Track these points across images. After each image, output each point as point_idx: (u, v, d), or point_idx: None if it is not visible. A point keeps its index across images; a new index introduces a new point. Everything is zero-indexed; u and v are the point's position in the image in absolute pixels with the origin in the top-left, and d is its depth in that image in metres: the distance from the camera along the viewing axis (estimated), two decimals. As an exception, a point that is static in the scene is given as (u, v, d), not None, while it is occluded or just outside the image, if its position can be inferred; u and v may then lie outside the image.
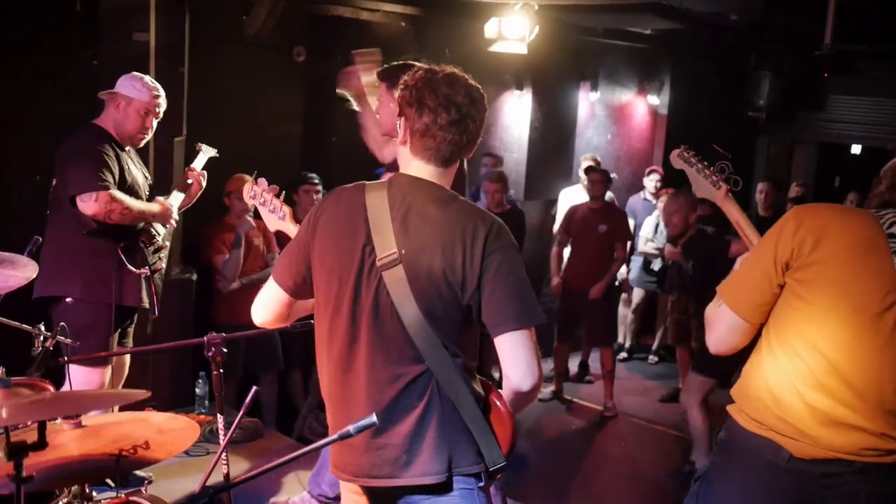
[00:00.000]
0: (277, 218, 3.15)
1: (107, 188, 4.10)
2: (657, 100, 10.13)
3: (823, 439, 2.31)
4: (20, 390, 2.27)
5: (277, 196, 3.16)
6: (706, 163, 2.93)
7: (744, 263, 2.48)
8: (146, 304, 4.43)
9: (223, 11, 6.17)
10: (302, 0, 6.46)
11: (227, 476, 3.18)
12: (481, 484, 2.44)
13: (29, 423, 2.49)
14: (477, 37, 7.36)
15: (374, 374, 2.41)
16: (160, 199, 4.57)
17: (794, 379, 2.34)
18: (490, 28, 7.26)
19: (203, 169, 4.78)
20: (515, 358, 2.37)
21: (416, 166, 2.48)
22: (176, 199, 4.67)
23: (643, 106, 10.15)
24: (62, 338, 3.39)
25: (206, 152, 4.78)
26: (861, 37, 7.68)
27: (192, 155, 5.60)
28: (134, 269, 4.29)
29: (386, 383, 2.40)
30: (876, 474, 2.31)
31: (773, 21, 8.02)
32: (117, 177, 4.22)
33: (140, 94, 4.32)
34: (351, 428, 1.88)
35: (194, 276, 5.90)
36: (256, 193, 3.17)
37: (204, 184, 4.79)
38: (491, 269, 2.36)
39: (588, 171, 7.67)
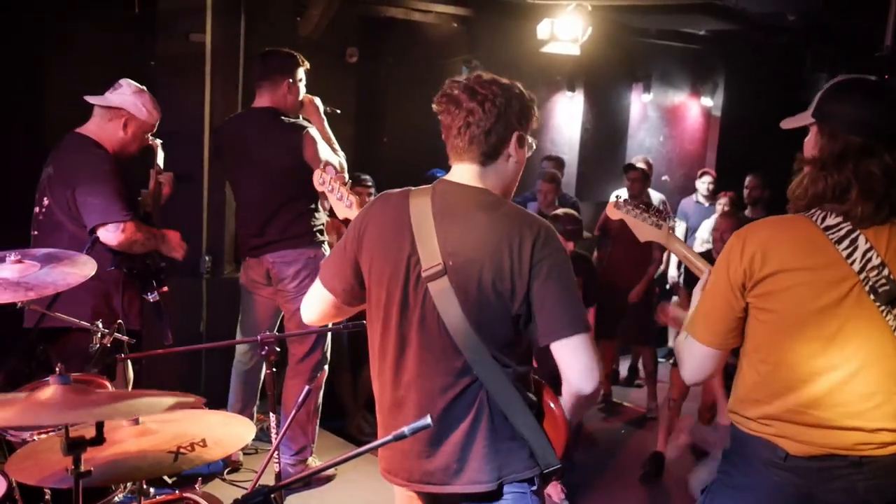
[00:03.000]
0: (345, 206, 3.17)
1: (132, 218, 3.91)
2: (710, 101, 10.02)
3: (816, 439, 2.33)
4: (79, 386, 2.30)
5: (345, 184, 3.18)
6: (643, 207, 2.99)
7: (703, 296, 2.51)
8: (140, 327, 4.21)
9: (277, 13, 6.22)
10: (355, 2, 6.50)
11: (278, 475, 3.21)
12: (534, 488, 2.43)
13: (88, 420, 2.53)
14: (529, 38, 7.34)
15: (424, 386, 2.41)
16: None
17: (779, 388, 2.37)
18: (542, 29, 7.24)
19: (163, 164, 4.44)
20: (576, 362, 2.35)
21: (458, 169, 2.47)
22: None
23: (696, 108, 10.05)
24: (119, 335, 3.43)
25: (160, 145, 4.37)
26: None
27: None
28: (146, 297, 4.09)
29: (436, 394, 2.40)
30: (873, 466, 2.32)
31: (830, 21, 7.89)
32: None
33: (150, 117, 4.12)
34: (406, 429, 1.87)
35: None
36: (325, 181, 3.20)
37: (171, 184, 4.46)
38: (541, 277, 2.32)
39: (627, 168, 7.60)
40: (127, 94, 4.05)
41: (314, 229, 4.66)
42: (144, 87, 4.14)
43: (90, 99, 4.05)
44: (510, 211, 2.41)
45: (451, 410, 2.39)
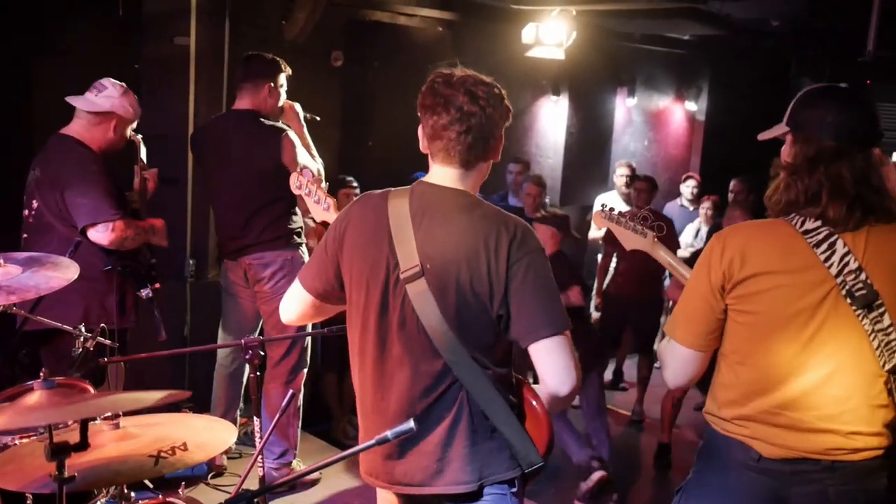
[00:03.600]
0: (322, 209, 3.17)
1: (121, 216, 3.93)
2: (695, 106, 10.07)
3: (790, 442, 2.35)
4: (63, 390, 2.29)
5: (321, 187, 3.18)
6: (628, 216, 3.02)
7: (683, 298, 2.52)
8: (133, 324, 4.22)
9: (263, 16, 6.21)
10: (340, 5, 6.49)
11: (262, 479, 3.20)
12: (514, 490, 2.44)
13: (70, 424, 2.52)
14: (514, 42, 7.37)
15: (404, 387, 2.41)
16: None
17: (755, 389, 2.39)
18: (527, 33, 7.27)
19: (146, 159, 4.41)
20: (553, 364, 2.35)
21: (437, 171, 2.46)
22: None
23: (680, 112, 10.09)
24: (102, 339, 3.42)
25: (142, 142, 4.34)
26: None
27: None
28: (139, 293, 4.08)
29: (416, 396, 2.40)
30: (844, 471, 2.34)
31: (814, 27, 7.94)
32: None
33: (136, 115, 4.14)
34: (389, 433, 1.87)
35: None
36: (302, 184, 3.20)
37: (155, 179, 4.43)
38: (518, 278, 2.32)
39: (633, 179, 7.57)
40: (115, 97, 4.04)
41: (292, 231, 4.67)
42: (125, 85, 4.12)
43: (75, 102, 4.02)
44: (488, 212, 2.40)
45: (431, 412, 2.39)
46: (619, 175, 8.23)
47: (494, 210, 2.43)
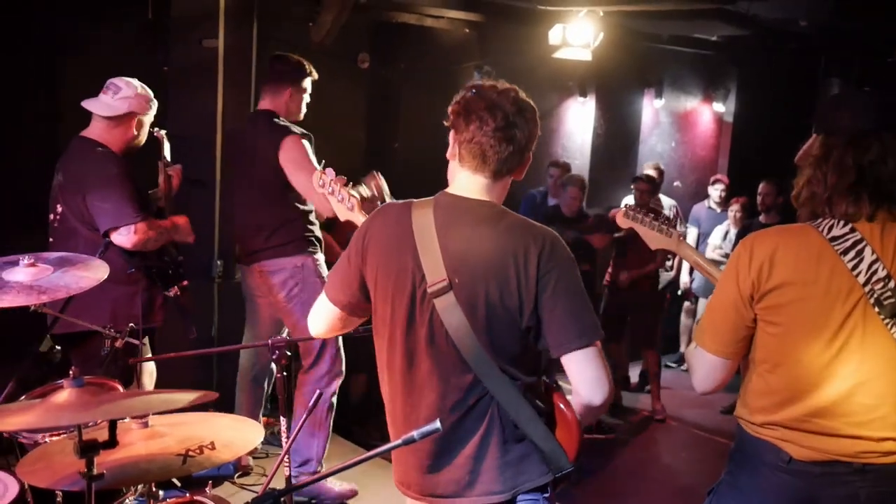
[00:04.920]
0: (346, 208, 3.13)
1: (144, 218, 3.93)
2: (723, 107, 10.00)
3: (820, 445, 2.34)
4: (92, 389, 2.31)
5: (346, 186, 3.15)
6: (652, 216, 2.98)
7: (711, 305, 2.51)
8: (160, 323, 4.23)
9: (290, 19, 6.24)
10: (367, 8, 6.51)
11: (288, 479, 3.21)
12: (546, 495, 2.44)
13: (99, 422, 2.54)
14: (541, 43, 7.35)
15: (433, 401, 2.41)
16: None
17: (785, 398, 2.37)
18: (554, 35, 7.25)
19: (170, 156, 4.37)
20: (586, 375, 2.34)
21: (464, 178, 2.43)
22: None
23: (708, 113, 10.02)
24: (131, 339, 3.45)
25: (165, 136, 4.32)
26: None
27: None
28: (166, 293, 4.11)
29: (446, 409, 2.39)
30: (876, 474, 2.32)
31: (843, 27, 7.87)
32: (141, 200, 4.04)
33: (152, 110, 4.14)
34: (415, 433, 1.86)
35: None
36: (325, 182, 3.17)
37: (179, 176, 4.40)
38: (548, 290, 2.31)
39: (634, 179, 7.60)
40: (131, 97, 4.03)
41: (303, 237, 4.52)
42: (134, 80, 4.09)
43: (91, 107, 4.01)
44: (514, 222, 2.38)
45: (462, 424, 2.39)
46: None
47: (521, 220, 2.41)
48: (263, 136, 4.42)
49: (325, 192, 3.18)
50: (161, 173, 4.27)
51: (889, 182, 2.30)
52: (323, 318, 2.63)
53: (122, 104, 4.01)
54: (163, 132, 4.29)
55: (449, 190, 2.47)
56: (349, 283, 2.52)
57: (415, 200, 2.47)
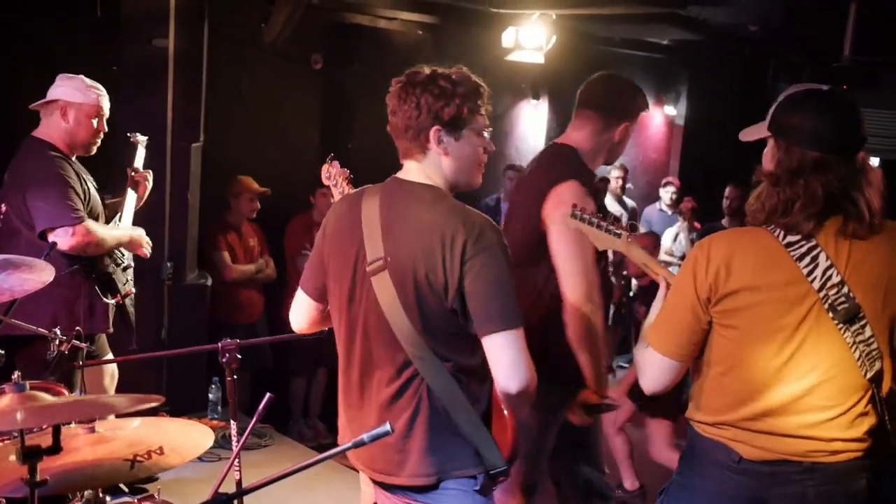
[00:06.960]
0: None
1: (82, 220, 3.83)
2: (674, 111, 10.11)
3: (770, 445, 2.37)
4: (35, 394, 2.27)
5: (348, 182, 3.20)
6: (600, 216, 2.85)
7: (666, 307, 2.50)
8: (111, 329, 4.15)
9: (242, 18, 6.19)
10: (320, 8, 6.48)
11: (239, 483, 3.18)
12: (477, 487, 2.46)
13: (44, 427, 2.50)
14: (494, 46, 7.38)
15: (370, 377, 2.48)
16: (121, 225, 4.21)
17: (737, 399, 2.39)
18: (507, 37, 7.28)
19: (143, 162, 4.33)
20: (499, 359, 2.36)
21: (405, 166, 2.54)
22: (130, 205, 4.26)
23: (660, 117, 10.13)
24: (77, 342, 3.39)
25: (142, 143, 4.29)
26: (881, 48, 7.64)
27: (210, 160, 5.62)
28: (106, 300, 4.03)
29: (381, 385, 2.46)
30: (824, 473, 2.35)
31: (792, 32, 7.98)
32: (85, 202, 3.94)
33: (87, 97, 3.99)
34: (365, 436, 1.87)
35: (209, 282, 5.91)
36: (332, 175, 3.23)
37: (150, 183, 4.36)
38: (472, 273, 2.34)
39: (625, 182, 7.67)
40: (58, 85, 3.99)
41: None
42: (75, 75, 4.05)
43: (33, 105, 3.98)
44: (451, 206, 2.43)
45: (394, 402, 2.44)
46: (615, 178, 8.33)
47: (459, 206, 2.45)
48: None
49: (330, 185, 3.24)
50: (130, 178, 4.22)
51: (845, 197, 2.30)
52: (301, 311, 2.73)
53: (50, 93, 3.97)
54: (142, 139, 4.24)
55: (397, 175, 2.55)
56: (318, 274, 2.62)
57: (369, 187, 2.58)
